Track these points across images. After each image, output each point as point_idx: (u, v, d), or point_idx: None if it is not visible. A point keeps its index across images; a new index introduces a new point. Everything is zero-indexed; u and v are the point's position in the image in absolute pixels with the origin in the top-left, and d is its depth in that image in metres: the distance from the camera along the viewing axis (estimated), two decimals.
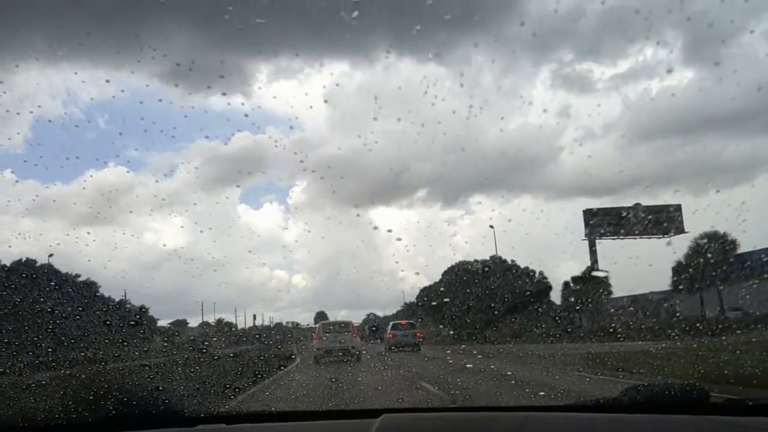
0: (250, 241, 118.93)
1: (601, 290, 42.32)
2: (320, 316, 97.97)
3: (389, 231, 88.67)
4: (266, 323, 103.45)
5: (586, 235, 48.38)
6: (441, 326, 59.30)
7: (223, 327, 69.53)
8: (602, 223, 48.63)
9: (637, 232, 47.90)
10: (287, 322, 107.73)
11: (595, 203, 73.25)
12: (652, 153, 76.68)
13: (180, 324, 63.27)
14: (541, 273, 59.01)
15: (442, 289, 70.33)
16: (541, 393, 9.50)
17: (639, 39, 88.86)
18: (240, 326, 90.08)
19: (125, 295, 42.35)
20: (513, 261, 61.17)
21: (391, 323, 35.92)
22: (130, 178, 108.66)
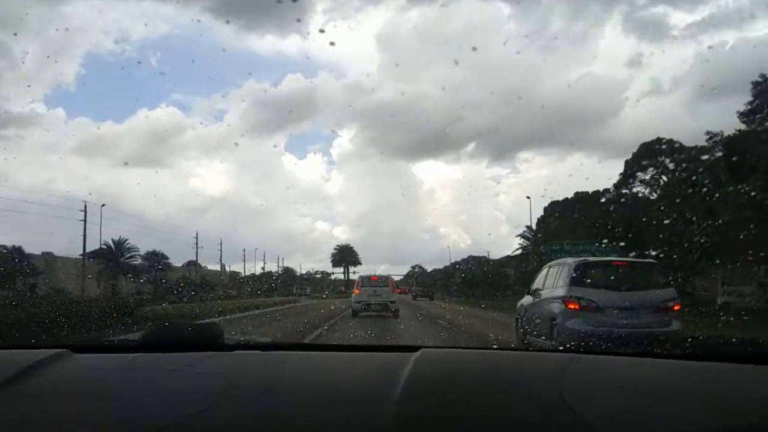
0: (293, 190, 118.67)
1: None
2: (342, 250, 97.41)
3: (431, 186, 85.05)
4: (303, 272, 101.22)
5: None
6: None
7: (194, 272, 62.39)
8: None
9: None
10: (316, 272, 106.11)
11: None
12: (723, 112, 69.97)
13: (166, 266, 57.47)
14: None
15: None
16: None
17: None
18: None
19: None
20: None
21: (590, 261, 11.54)
22: (181, 119, 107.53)
